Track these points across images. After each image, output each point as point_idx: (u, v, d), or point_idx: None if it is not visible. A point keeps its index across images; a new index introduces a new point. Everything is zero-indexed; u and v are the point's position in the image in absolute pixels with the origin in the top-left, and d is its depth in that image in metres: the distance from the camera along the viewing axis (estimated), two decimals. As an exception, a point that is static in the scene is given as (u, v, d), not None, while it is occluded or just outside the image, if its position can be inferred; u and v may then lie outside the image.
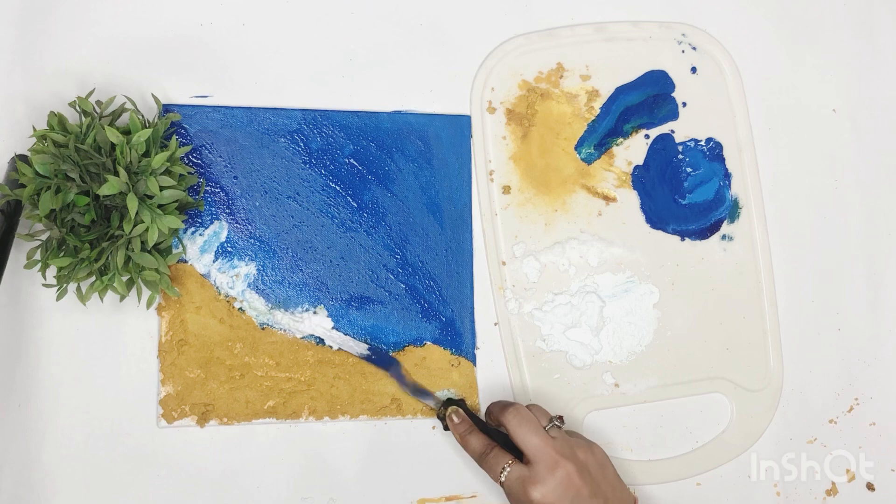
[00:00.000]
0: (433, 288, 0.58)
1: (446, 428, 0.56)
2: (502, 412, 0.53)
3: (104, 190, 0.48)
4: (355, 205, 0.58)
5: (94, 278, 0.50)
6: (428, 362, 0.58)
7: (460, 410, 0.55)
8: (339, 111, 0.58)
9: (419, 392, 0.57)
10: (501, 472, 0.51)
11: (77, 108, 0.51)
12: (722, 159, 0.62)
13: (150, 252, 0.51)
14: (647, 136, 0.61)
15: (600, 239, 0.60)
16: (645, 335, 0.60)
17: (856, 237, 0.63)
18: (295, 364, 0.56)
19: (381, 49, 0.59)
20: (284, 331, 0.56)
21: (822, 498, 0.60)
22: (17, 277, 0.53)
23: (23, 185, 0.49)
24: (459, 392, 0.58)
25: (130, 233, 0.49)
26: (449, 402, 0.56)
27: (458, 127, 0.60)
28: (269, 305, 0.56)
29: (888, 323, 0.63)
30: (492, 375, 0.58)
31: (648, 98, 0.61)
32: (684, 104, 0.62)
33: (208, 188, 0.56)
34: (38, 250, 0.51)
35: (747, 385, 0.61)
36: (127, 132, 0.51)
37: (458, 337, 0.58)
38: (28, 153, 0.50)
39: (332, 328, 0.57)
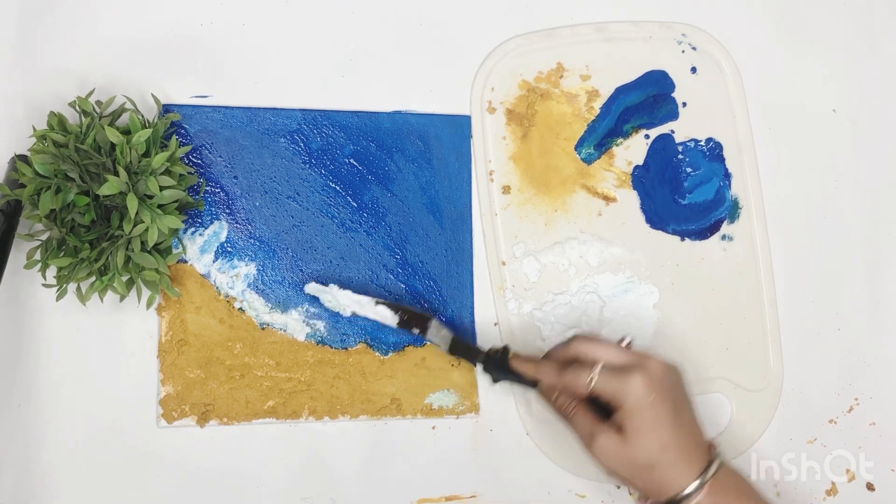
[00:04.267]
0: (433, 288, 0.58)
1: (495, 381, 0.55)
2: (567, 344, 0.53)
3: (104, 190, 0.48)
4: (355, 205, 0.58)
5: (94, 278, 0.50)
6: (428, 362, 0.58)
7: (518, 353, 0.55)
8: (339, 111, 0.58)
9: (462, 348, 0.56)
10: (590, 380, 0.50)
11: (77, 108, 0.51)
12: (722, 159, 0.62)
13: (150, 252, 0.51)
14: (647, 137, 0.61)
15: (600, 239, 0.60)
16: (645, 335, 0.60)
17: (856, 237, 0.63)
18: (295, 364, 0.56)
19: (381, 49, 0.59)
20: (284, 331, 0.56)
21: (822, 498, 0.60)
22: (17, 277, 0.53)
23: (23, 185, 0.49)
24: (461, 393, 0.58)
25: (130, 233, 0.49)
26: (492, 351, 0.55)
27: (458, 127, 0.60)
28: (270, 306, 0.56)
29: (888, 323, 0.63)
30: (492, 375, 0.58)
31: (648, 98, 0.61)
32: (684, 104, 0.62)
33: (208, 188, 0.56)
34: (38, 250, 0.51)
35: (747, 385, 0.61)
36: (127, 132, 0.51)
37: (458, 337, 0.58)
38: (28, 153, 0.50)
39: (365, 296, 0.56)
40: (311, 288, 0.56)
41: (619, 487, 0.59)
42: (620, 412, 0.49)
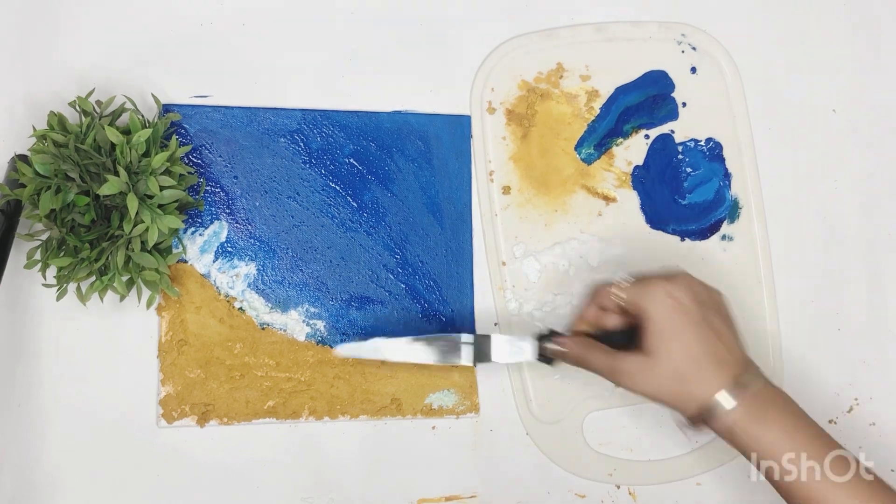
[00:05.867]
0: (433, 288, 0.58)
1: (547, 361, 0.54)
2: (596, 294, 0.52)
3: (104, 190, 0.48)
4: (355, 205, 0.58)
5: (94, 278, 0.50)
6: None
7: (553, 334, 0.54)
8: (339, 111, 0.58)
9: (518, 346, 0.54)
10: (616, 285, 0.49)
11: (77, 107, 0.51)
12: (722, 159, 0.62)
13: (150, 252, 0.51)
14: (646, 137, 0.61)
15: (600, 239, 0.60)
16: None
17: (856, 237, 0.63)
18: (295, 364, 0.56)
19: (381, 49, 0.59)
20: (284, 331, 0.56)
21: (822, 498, 0.60)
22: (17, 277, 0.53)
23: (23, 185, 0.49)
24: (461, 393, 0.58)
25: (130, 233, 0.49)
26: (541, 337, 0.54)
27: (458, 127, 0.60)
28: (270, 306, 0.56)
29: (888, 323, 0.63)
30: (492, 375, 0.58)
31: (648, 98, 0.61)
32: (684, 104, 0.62)
33: (208, 188, 0.56)
34: (38, 250, 0.51)
35: (747, 385, 0.60)
36: (127, 132, 0.51)
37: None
38: (28, 153, 0.50)
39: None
40: (344, 350, 0.55)
41: (618, 488, 0.59)
42: (645, 326, 0.48)
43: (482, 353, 0.54)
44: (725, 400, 0.46)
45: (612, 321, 0.52)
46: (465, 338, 0.55)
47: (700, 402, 0.46)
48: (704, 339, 0.47)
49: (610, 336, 0.52)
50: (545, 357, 0.54)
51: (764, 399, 0.47)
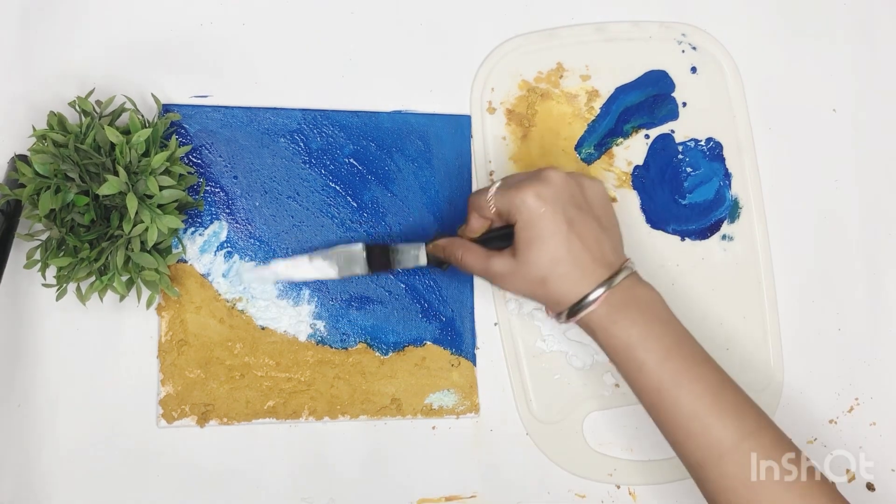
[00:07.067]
0: (433, 288, 0.58)
1: (441, 266, 0.55)
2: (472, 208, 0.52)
3: (104, 190, 0.48)
4: (355, 205, 0.58)
5: (93, 278, 0.50)
6: (428, 362, 0.58)
7: (440, 237, 0.54)
8: (339, 111, 0.58)
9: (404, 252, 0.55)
10: (490, 195, 0.49)
11: (77, 107, 0.51)
12: (722, 159, 0.62)
13: (149, 252, 0.51)
14: (647, 136, 0.61)
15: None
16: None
17: (856, 237, 0.63)
18: (295, 364, 0.56)
19: (381, 49, 0.59)
20: (284, 331, 0.56)
21: (822, 498, 0.60)
22: (16, 277, 0.53)
23: (23, 185, 0.49)
24: (461, 393, 0.58)
25: (130, 233, 0.49)
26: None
27: (458, 127, 0.60)
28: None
29: (888, 323, 0.63)
30: (492, 375, 0.58)
31: (648, 98, 0.61)
32: (684, 104, 0.62)
33: (208, 188, 0.56)
34: (38, 250, 0.51)
35: (747, 385, 0.60)
36: (127, 132, 0.51)
37: (458, 337, 0.58)
38: (28, 153, 0.50)
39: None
40: (247, 274, 0.56)
41: (618, 488, 0.59)
42: (515, 229, 0.49)
43: (381, 262, 0.55)
44: (590, 300, 0.48)
45: (496, 225, 0.53)
46: (360, 247, 0.55)
47: (565, 304, 0.48)
48: (568, 246, 0.48)
49: (497, 238, 0.53)
50: (436, 261, 0.55)
51: (624, 300, 0.48)
